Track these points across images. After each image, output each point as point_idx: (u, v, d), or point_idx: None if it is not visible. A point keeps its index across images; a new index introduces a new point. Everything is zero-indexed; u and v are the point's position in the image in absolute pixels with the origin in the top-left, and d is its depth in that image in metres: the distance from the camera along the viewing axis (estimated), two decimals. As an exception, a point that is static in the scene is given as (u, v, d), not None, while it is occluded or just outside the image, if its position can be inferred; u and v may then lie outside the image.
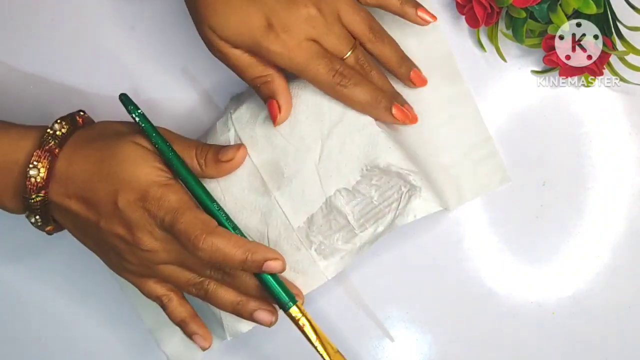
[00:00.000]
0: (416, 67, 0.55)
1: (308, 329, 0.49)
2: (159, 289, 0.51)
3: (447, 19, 0.57)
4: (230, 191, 0.52)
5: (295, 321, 0.49)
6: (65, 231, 0.53)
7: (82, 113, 0.52)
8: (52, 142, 0.49)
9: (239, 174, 0.52)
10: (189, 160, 0.50)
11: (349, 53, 0.51)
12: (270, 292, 0.48)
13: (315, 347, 0.49)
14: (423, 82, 0.55)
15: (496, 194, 0.56)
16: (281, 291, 0.48)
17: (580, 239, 0.56)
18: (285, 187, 0.51)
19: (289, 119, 0.51)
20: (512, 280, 0.56)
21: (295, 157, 0.51)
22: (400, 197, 0.50)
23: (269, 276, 0.48)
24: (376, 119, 0.52)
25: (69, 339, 0.61)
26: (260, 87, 0.51)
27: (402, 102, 0.53)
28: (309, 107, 0.51)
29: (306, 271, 0.51)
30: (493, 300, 0.56)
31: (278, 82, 0.51)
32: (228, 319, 0.52)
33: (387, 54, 0.53)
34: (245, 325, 0.52)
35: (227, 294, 0.50)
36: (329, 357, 0.49)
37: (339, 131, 0.51)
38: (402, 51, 0.54)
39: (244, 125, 0.52)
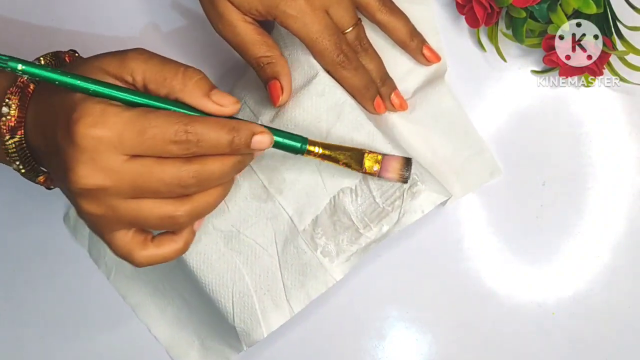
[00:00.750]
0: (427, 42, 0.56)
1: (330, 152, 0.46)
2: None
3: (447, 19, 0.57)
4: (233, 201, 0.52)
5: (316, 155, 0.46)
6: None
7: (72, 52, 0.48)
8: (26, 77, 0.42)
9: (239, 183, 0.51)
10: (172, 74, 0.41)
11: (350, 28, 0.52)
12: (280, 147, 0.45)
13: (349, 165, 0.47)
14: (437, 57, 0.56)
15: (496, 194, 0.56)
16: (288, 139, 0.45)
17: (580, 239, 0.56)
18: (288, 190, 0.51)
19: (286, 123, 0.51)
20: (512, 280, 0.56)
21: (295, 160, 0.51)
22: (403, 195, 0.50)
23: (268, 128, 0.43)
24: (361, 104, 0.53)
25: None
26: (263, 67, 0.51)
27: (392, 87, 0.55)
28: (305, 109, 0.51)
29: (314, 275, 0.51)
30: (493, 300, 0.56)
31: (282, 64, 0.51)
32: (243, 329, 0.52)
33: (397, 25, 0.54)
34: (261, 333, 0.52)
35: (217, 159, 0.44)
36: (363, 163, 0.47)
37: (337, 131, 0.51)
38: (414, 26, 0.55)
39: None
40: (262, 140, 0.42)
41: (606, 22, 0.52)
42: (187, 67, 0.41)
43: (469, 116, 0.56)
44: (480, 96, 0.56)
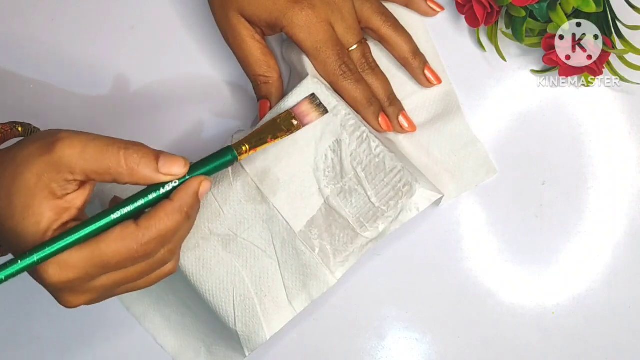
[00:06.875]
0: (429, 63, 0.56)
1: (256, 142, 0.47)
2: None
3: (447, 19, 0.57)
4: (228, 204, 0.51)
5: (248, 152, 0.46)
6: None
7: (12, 124, 0.48)
8: None
9: (233, 186, 0.51)
10: (115, 163, 0.40)
11: (355, 46, 0.53)
12: (214, 165, 0.44)
13: (276, 137, 0.48)
14: (438, 79, 0.56)
15: (496, 194, 0.56)
16: (219, 159, 0.44)
17: (580, 238, 0.56)
18: (282, 192, 0.51)
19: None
20: (512, 280, 0.56)
21: (289, 162, 0.51)
22: (397, 194, 0.50)
23: (202, 164, 0.43)
24: (364, 120, 0.53)
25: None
26: (259, 85, 0.54)
27: (400, 108, 0.55)
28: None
29: (315, 275, 0.51)
30: (493, 300, 0.56)
31: (276, 87, 0.54)
32: (245, 332, 0.52)
33: (399, 41, 0.54)
34: (263, 336, 0.52)
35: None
36: (283, 129, 0.48)
37: (330, 132, 0.51)
38: (417, 46, 0.55)
39: (235, 138, 0.53)
40: (205, 189, 0.42)
41: (606, 22, 0.52)
42: (126, 147, 0.40)
43: (464, 115, 0.56)
44: (480, 96, 0.56)
